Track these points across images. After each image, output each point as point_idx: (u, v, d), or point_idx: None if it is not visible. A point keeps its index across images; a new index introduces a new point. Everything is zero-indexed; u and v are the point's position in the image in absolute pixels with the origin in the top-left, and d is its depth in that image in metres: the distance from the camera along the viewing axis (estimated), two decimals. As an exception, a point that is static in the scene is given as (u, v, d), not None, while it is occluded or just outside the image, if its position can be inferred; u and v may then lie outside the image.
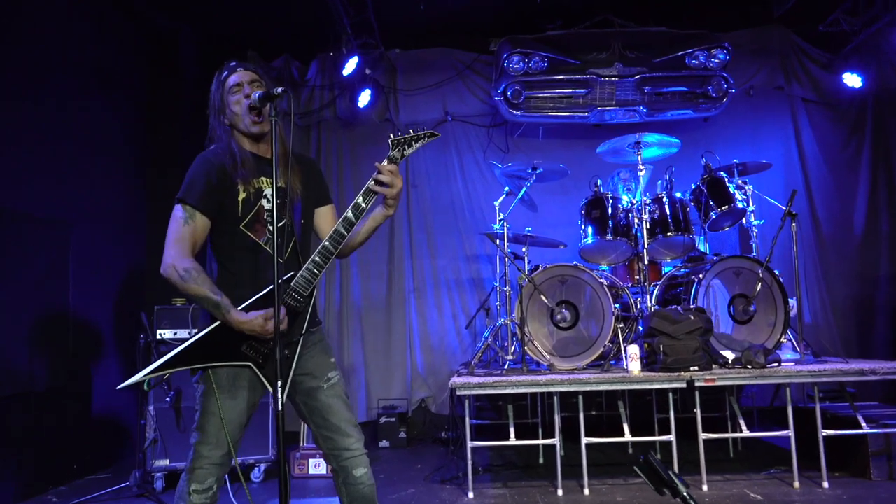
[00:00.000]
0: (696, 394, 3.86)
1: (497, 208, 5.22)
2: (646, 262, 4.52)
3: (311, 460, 4.62)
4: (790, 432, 3.82)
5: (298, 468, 4.61)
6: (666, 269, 4.99)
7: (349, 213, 2.18)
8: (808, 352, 4.52)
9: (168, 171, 5.54)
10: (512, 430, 4.06)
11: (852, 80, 6.04)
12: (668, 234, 4.58)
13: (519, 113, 5.88)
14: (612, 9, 6.05)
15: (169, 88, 5.67)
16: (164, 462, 4.21)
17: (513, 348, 4.69)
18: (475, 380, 3.86)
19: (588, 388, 3.83)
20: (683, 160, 5.31)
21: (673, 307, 4.13)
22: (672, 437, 3.86)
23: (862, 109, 6.33)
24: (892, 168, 6.28)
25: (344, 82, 6.12)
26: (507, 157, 6.24)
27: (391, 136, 2.29)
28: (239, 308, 2.10)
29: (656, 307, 4.52)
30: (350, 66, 5.72)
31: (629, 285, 4.81)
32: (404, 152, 2.28)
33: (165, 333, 4.36)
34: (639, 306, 4.64)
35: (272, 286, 2.01)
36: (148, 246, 5.33)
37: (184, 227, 2.18)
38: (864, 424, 3.89)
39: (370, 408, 6.03)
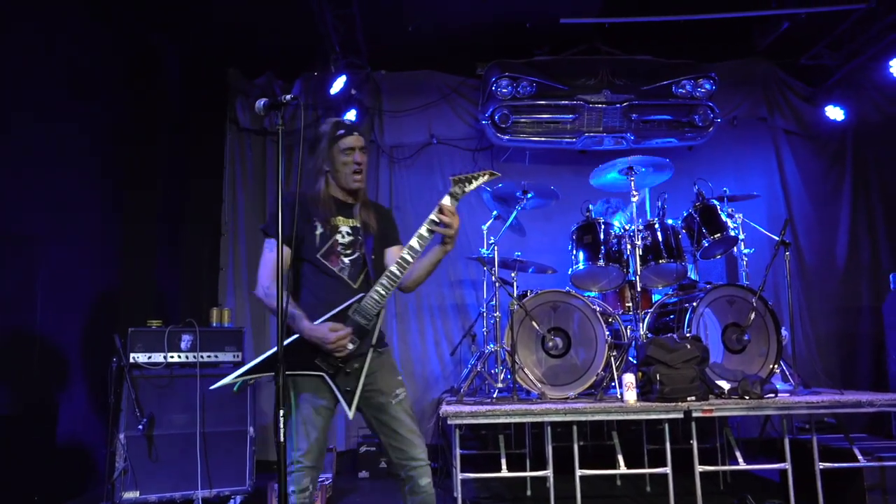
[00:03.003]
0: (693, 424, 3.76)
1: (485, 232, 5.12)
2: (638, 289, 4.44)
3: (288, 495, 4.40)
4: (787, 465, 3.75)
5: (276, 500, 4.38)
6: (656, 297, 4.93)
7: (414, 243, 2.45)
8: (800, 382, 4.48)
9: (146, 189, 5.37)
10: (504, 462, 3.91)
11: (834, 112, 6.13)
12: (661, 261, 4.52)
13: (506, 137, 5.83)
14: (599, 36, 6.06)
15: (148, 104, 5.49)
16: (135, 494, 3.96)
17: (502, 375, 4.56)
18: (467, 409, 3.72)
19: (584, 418, 3.71)
20: (668, 188, 5.28)
21: (669, 335, 4.05)
22: (668, 470, 3.75)
23: (842, 142, 6.42)
24: (871, 200, 6.36)
25: (329, 102, 6.01)
26: (492, 182, 6.15)
27: (452, 176, 2.51)
28: (315, 323, 2.44)
29: (649, 335, 4.45)
30: (338, 84, 5.62)
31: (620, 312, 4.74)
32: (465, 188, 2.50)
33: (139, 357, 4.15)
34: (629, 334, 4.56)
35: (344, 306, 2.46)
36: (122, 266, 5.11)
37: (268, 255, 2.58)
38: (860, 457, 3.83)
39: (349, 436, 5.81)
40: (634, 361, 4.32)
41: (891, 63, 5.55)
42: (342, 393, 2.45)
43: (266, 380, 5.50)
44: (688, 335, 4.05)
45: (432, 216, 2.44)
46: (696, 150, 6.22)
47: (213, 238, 6.06)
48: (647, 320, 4.64)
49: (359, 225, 2.64)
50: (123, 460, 3.99)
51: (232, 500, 4.22)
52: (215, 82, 6.15)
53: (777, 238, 4.32)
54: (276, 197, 2.31)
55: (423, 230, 2.44)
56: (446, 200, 2.45)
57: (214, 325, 4.52)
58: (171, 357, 4.22)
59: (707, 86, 5.77)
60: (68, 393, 4.57)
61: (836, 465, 3.82)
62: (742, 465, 3.86)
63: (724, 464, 4.48)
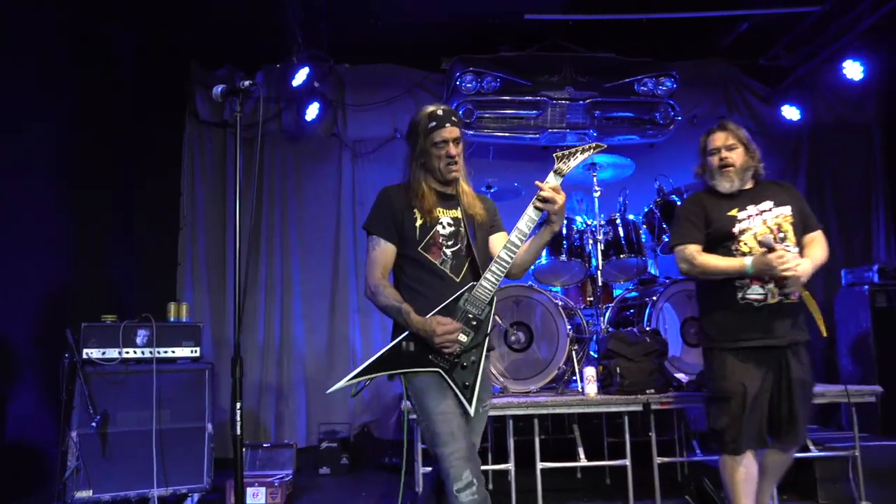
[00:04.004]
0: (652, 417, 3.81)
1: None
2: (600, 284, 4.48)
3: (248, 489, 4.34)
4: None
5: (235, 497, 4.31)
6: (617, 292, 4.99)
7: (521, 224, 2.36)
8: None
9: (100, 182, 5.21)
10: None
11: (790, 112, 6.27)
12: (622, 256, 4.58)
13: (470, 132, 5.82)
14: (563, 33, 6.10)
15: (104, 97, 5.33)
16: (87, 493, 3.85)
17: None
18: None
19: (545, 412, 3.74)
20: (630, 184, 5.34)
21: (630, 329, 4.10)
22: (628, 462, 3.79)
23: (798, 141, 6.58)
24: (824, 198, 6.53)
25: (291, 95, 5.93)
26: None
27: (555, 151, 2.41)
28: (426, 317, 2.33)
29: (610, 329, 4.49)
30: (300, 76, 5.54)
31: (581, 307, 4.78)
32: (569, 164, 2.41)
33: (93, 353, 4.04)
34: (590, 328, 4.60)
35: (454, 297, 2.36)
36: (75, 260, 4.96)
37: (372, 253, 2.49)
38: (812, 448, 3.93)
39: (310, 432, 5.76)
40: (595, 355, 4.36)
41: (844, 65, 5.69)
42: (460, 389, 2.33)
43: (225, 373, 5.43)
44: (647, 329, 4.10)
45: (533, 202, 2.36)
46: (657, 148, 6.30)
47: (172, 232, 5.93)
48: (608, 315, 4.69)
49: (460, 216, 2.53)
50: (76, 459, 3.88)
51: (189, 498, 4.14)
52: (174, 74, 6.01)
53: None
54: (234, 189, 2.25)
55: (529, 210, 2.36)
56: (551, 178, 2.38)
57: (172, 320, 4.43)
58: (127, 352, 4.12)
59: (668, 84, 5.84)
60: (17, 390, 4.42)
61: (789, 455, 3.90)
62: (699, 457, 3.93)
63: (681, 455, 4.55)
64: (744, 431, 2.88)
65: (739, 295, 2.91)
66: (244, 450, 4.57)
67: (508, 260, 2.36)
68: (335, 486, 4.91)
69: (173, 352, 4.26)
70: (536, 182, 2.37)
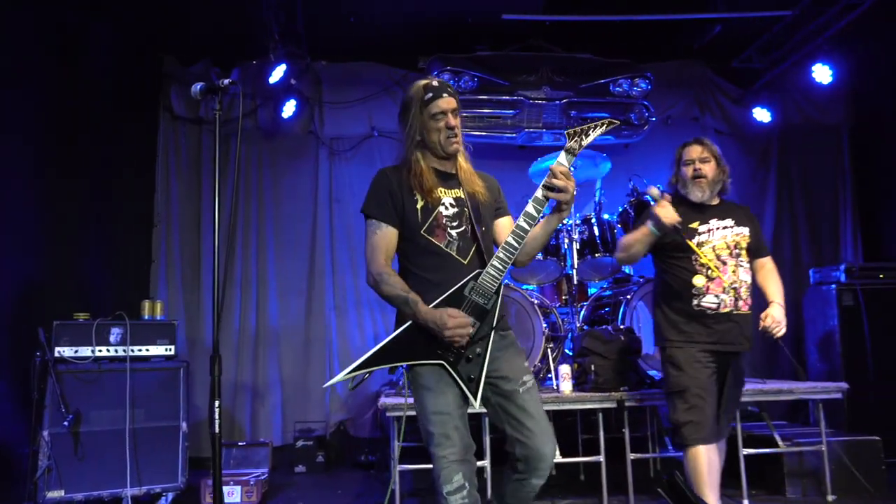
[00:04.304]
0: (626, 414, 3.87)
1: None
2: (575, 283, 4.53)
3: (223, 487, 4.31)
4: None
5: (210, 496, 4.29)
6: (592, 290, 5.04)
7: (529, 208, 2.23)
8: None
9: (73, 178, 5.13)
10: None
11: (761, 114, 6.38)
12: (597, 255, 4.63)
13: (448, 131, 5.83)
14: (540, 33, 6.14)
15: (78, 89, 5.25)
16: (59, 493, 3.80)
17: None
18: (407, 400, 3.72)
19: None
20: (605, 184, 5.40)
21: (604, 327, 4.16)
22: (602, 458, 3.85)
23: (768, 143, 6.70)
24: (794, 199, 6.66)
25: (267, 92, 5.90)
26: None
27: (566, 129, 2.31)
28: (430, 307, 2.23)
29: (585, 327, 4.55)
30: (277, 73, 5.51)
31: (557, 305, 4.83)
32: (582, 142, 2.27)
33: (65, 351, 3.99)
34: (565, 326, 4.65)
35: (459, 285, 2.24)
36: (47, 257, 4.87)
37: (373, 238, 2.37)
38: (781, 443, 4.02)
39: (286, 431, 5.75)
40: (570, 353, 4.41)
41: (813, 68, 5.81)
42: (465, 382, 2.25)
43: (200, 371, 5.40)
44: (622, 327, 4.16)
45: (546, 179, 2.23)
46: (631, 148, 6.38)
47: (146, 229, 5.87)
48: (583, 313, 4.74)
49: (463, 195, 2.39)
50: (47, 458, 3.82)
51: (163, 498, 4.11)
52: (149, 69, 5.95)
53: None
54: (213, 187, 2.21)
55: (538, 194, 2.23)
56: (561, 158, 2.24)
57: (146, 318, 4.38)
58: (100, 351, 4.08)
59: (643, 85, 5.91)
60: (-13, 389, 4.36)
61: (758, 451, 4.00)
62: (671, 453, 4.00)
63: (654, 451, 4.62)
64: (704, 422, 3.05)
65: (695, 302, 3.15)
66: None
67: (516, 246, 2.24)
68: (311, 485, 4.90)
69: (147, 350, 4.22)
70: (551, 166, 2.23)
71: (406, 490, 4.53)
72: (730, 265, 3.17)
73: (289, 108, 5.85)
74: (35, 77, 4.97)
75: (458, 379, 2.25)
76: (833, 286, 5.28)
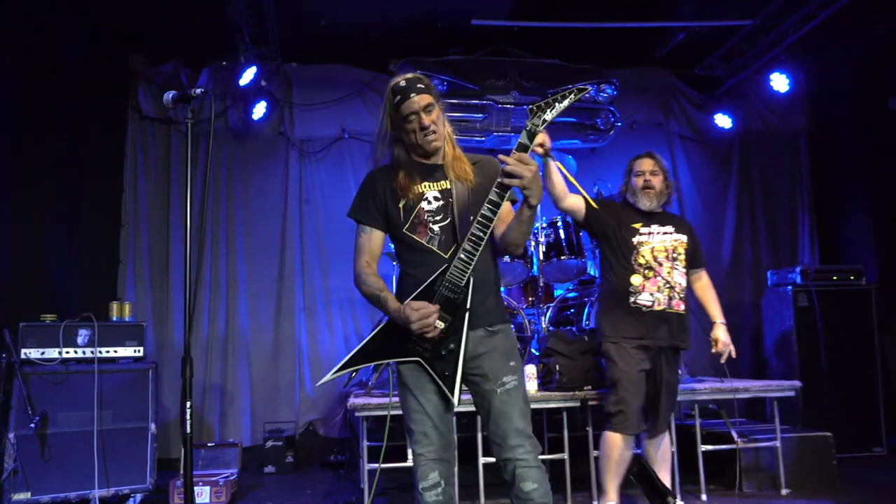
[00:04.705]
0: (589, 412, 3.98)
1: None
2: (541, 285, 4.63)
3: (193, 488, 4.32)
4: (673, 448, 4.02)
5: (178, 497, 4.31)
6: (558, 292, 5.15)
7: (493, 195, 2.15)
8: (686, 372, 4.80)
9: (39, 178, 5.09)
10: (409, 452, 3.99)
11: (723, 120, 6.56)
12: (563, 257, 4.73)
13: (418, 134, 5.90)
14: (509, 39, 6.24)
15: (44, 88, 5.19)
16: (25, 495, 3.79)
17: (409, 369, 4.64)
18: (374, 400, 3.79)
19: (471, 408, 3.83)
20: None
21: (569, 328, 4.26)
22: (566, 456, 3.95)
23: (730, 148, 6.89)
24: (754, 203, 6.86)
25: (238, 93, 5.90)
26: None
27: (530, 105, 2.17)
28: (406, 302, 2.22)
29: (551, 328, 4.65)
30: (248, 76, 5.53)
31: (524, 306, 4.92)
32: (545, 117, 2.14)
33: (32, 353, 3.97)
34: (532, 327, 4.75)
35: (430, 280, 2.21)
36: (13, 258, 4.83)
37: (358, 240, 2.41)
38: (737, 440, 4.17)
39: (255, 431, 5.75)
40: (536, 353, 4.51)
41: (771, 77, 6.01)
42: (441, 378, 2.21)
43: (168, 372, 5.39)
44: (586, 328, 4.27)
45: (499, 179, 2.12)
46: (597, 153, 6.51)
47: (113, 229, 5.83)
48: (549, 314, 4.84)
49: (449, 187, 2.33)
50: (13, 461, 3.81)
51: (131, 499, 4.12)
52: (118, 68, 5.91)
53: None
54: (186, 190, 2.17)
55: (498, 179, 2.13)
56: (523, 137, 2.13)
57: (114, 319, 4.38)
58: (67, 352, 4.07)
59: (609, 91, 6.05)
60: (-50, 391, 4.31)
61: (716, 447, 4.14)
62: (634, 450, 4.10)
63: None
64: (629, 414, 3.29)
65: (632, 299, 3.38)
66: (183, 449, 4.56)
67: (481, 236, 2.16)
68: (280, 485, 4.93)
69: (115, 352, 4.22)
70: (500, 156, 2.18)
71: (376, 489, 4.58)
72: (665, 266, 3.40)
73: (259, 110, 5.87)
74: (1, 74, 4.92)
75: (434, 375, 2.23)
76: (789, 288, 5.46)
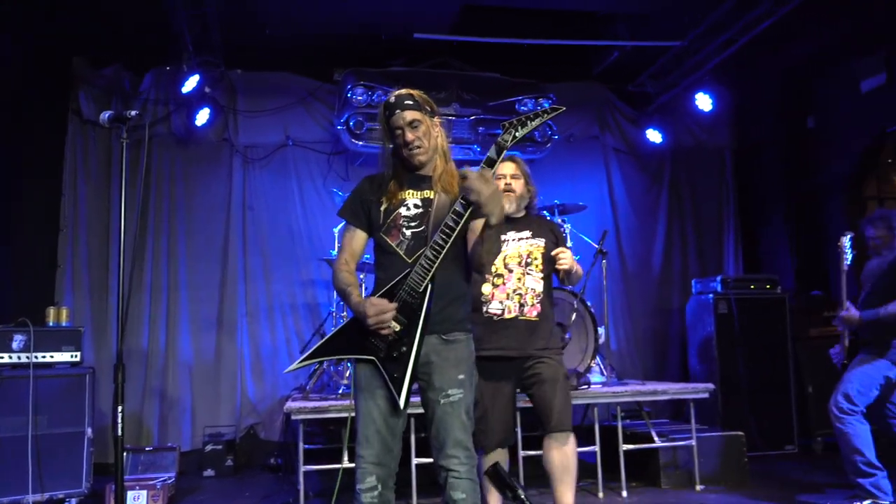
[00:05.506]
0: (518, 415, 4.17)
1: (336, 236, 5.32)
2: (476, 292, 4.80)
3: (129, 492, 4.36)
4: (596, 448, 4.26)
5: (114, 500, 4.33)
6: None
7: (457, 205, 2.21)
8: (614, 375, 5.07)
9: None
10: (346, 454, 4.13)
11: (654, 135, 6.89)
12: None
13: (361, 143, 6.03)
14: (451, 52, 6.43)
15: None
16: (-42, 500, 3.79)
17: (348, 373, 4.77)
18: (311, 404, 3.91)
19: (421, 411, 3.99)
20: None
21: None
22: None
23: (661, 162, 7.22)
24: (684, 215, 7.22)
25: (181, 98, 5.92)
26: (346, 186, 6.34)
27: (504, 122, 2.22)
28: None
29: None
30: (191, 83, 5.57)
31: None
32: (516, 134, 2.20)
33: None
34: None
35: (393, 282, 2.29)
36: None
37: (343, 238, 2.55)
38: (656, 439, 4.43)
39: (195, 436, 5.78)
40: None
41: (696, 96, 6.37)
42: (391, 380, 2.26)
43: (107, 377, 5.37)
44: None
45: (460, 193, 2.21)
46: (536, 164, 6.72)
47: (51, 234, 5.79)
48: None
49: (432, 196, 2.42)
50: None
51: (66, 503, 4.13)
52: (58, 71, 5.87)
53: (597, 247, 4.87)
54: (119, 195, 2.21)
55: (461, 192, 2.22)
56: (491, 152, 2.20)
57: (51, 324, 4.38)
58: (1, 357, 4.07)
59: (546, 105, 6.28)
60: None
61: (636, 446, 4.40)
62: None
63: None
64: (487, 431, 3.16)
65: (484, 309, 3.24)
66: (126, 454, 4.59)
67: (442, 244, 2.23)
68: (219, 488, 4.98)
69: (52, 357, 4.23)
70: (464, 169, 2.27)
71: (314, 489, 4.70)
72: (516, 273, 3.27)
73: (202, 116, 5.91)
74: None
75: (385, 376, 2.29)
76: (710, 295, 5.80)
